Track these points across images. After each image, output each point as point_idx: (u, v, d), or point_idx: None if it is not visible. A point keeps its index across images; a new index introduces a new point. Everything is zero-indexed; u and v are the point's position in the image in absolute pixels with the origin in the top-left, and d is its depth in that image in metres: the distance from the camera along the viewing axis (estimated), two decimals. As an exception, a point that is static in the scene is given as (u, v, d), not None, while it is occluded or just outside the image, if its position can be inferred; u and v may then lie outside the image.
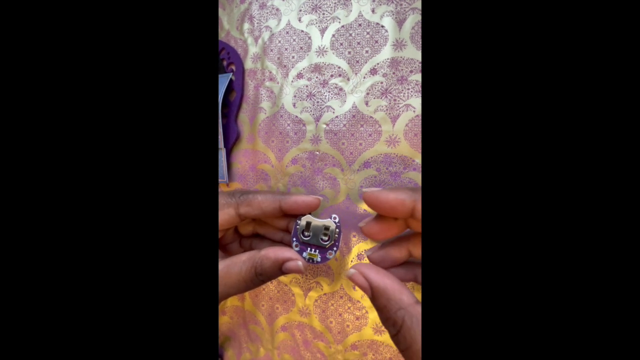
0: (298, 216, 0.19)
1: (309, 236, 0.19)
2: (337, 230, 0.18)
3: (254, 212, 0.19)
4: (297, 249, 0.19)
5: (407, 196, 0.15)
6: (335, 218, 0.18)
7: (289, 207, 0.18)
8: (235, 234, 0.23)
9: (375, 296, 0.15)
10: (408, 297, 0.14)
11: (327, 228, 0.18)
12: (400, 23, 0.21)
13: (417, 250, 0.17)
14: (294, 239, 0.19)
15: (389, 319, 0.14)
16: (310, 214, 0.19)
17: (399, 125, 0.22)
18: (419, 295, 0.21)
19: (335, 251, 0.18)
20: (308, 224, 0.19)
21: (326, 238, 0.18)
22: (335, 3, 0.23)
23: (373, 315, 0.24)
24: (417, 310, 0.13)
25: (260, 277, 0.17)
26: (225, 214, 0.19)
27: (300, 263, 0.17)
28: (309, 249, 0.19)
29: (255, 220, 0.22)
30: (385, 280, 0.14)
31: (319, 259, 0.18)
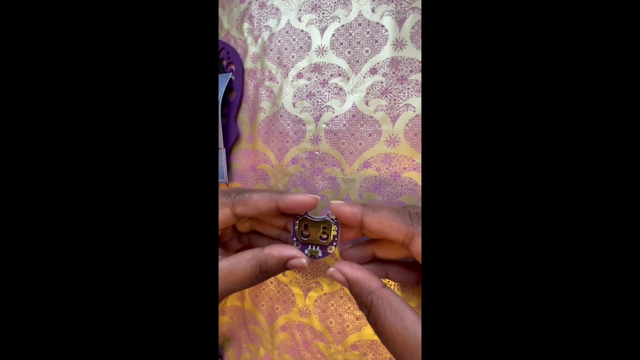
0: (296, 215, 0.19)
1: (308, 235, 0.19)
2: (336, 227, 0.19)
3: (250, 211, 0.19)
4: (298, 247, 0.19)
5: (358, 210, 0.17)
6: (332, 215, 0.19)
7: (286, 207, 0.18)
8: (234, 231, 0.23)
9: (351, 286, 0.17)
10: (376, 283, 0.17)
11: (325, 227, 0.19)
12: (400, 22, 0.21)
13: (380, 252, 0.20)
14: (294, 239, 0.19)
15: (362, 303, 0.17)
16: (307, 213, 0.19)
17: (399, 125, 0.22)
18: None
19: (335, 245, 0.19)
20: (306, 225, 0.19)
21: (325, 236, 0.19)
22: (335, 2, 0.23)
23: (373, 315, 0.24)
24: (383, 292, 0.16)
25: (264, 274, 0.18)
26: (221, 214, 0.19)
27: (304, 260, 0.18)
28: (309, 246, 0.19)
29: (252, 218, 0.22)
30: (357, 272, 0.17)
31: (320, 255, 0.19)
